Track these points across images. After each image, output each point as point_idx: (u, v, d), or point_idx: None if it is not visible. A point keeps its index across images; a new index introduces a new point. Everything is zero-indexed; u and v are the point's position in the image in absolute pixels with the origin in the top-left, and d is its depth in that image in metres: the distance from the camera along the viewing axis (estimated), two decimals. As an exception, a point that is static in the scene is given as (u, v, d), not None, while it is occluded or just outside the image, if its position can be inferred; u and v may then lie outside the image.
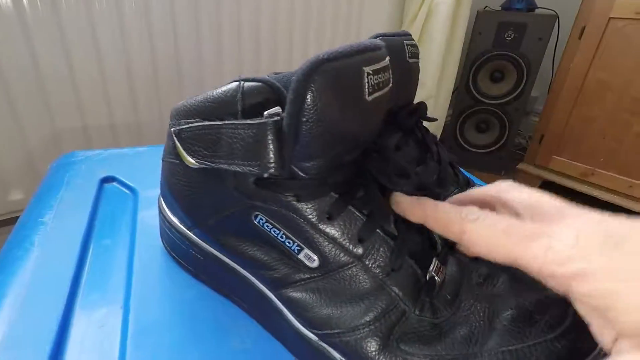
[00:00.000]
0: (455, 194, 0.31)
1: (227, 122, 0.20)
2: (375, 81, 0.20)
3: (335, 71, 0.18)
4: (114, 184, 0.44)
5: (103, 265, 0.31)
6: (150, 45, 0.78)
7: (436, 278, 0.23)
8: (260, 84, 0.20)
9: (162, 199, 0.31)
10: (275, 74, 0.31)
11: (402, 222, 0.23)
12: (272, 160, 0.19)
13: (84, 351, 0.24)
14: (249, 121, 0.19)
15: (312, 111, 0.18)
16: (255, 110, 0.20)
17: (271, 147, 0.19)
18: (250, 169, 0.20)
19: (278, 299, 0.24)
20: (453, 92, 1.41)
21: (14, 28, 0.64)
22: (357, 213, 0.22)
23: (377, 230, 0.22)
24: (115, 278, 0.30)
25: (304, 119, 0.18)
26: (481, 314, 0.21)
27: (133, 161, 0.48)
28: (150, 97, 0.82)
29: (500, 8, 1.35)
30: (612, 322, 0.15)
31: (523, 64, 1.31)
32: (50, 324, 0.25)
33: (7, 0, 0.62)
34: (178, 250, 0.30)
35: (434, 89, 1.31)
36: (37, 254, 0.31)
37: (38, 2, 0.64)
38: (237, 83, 0.20)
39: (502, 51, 1.31)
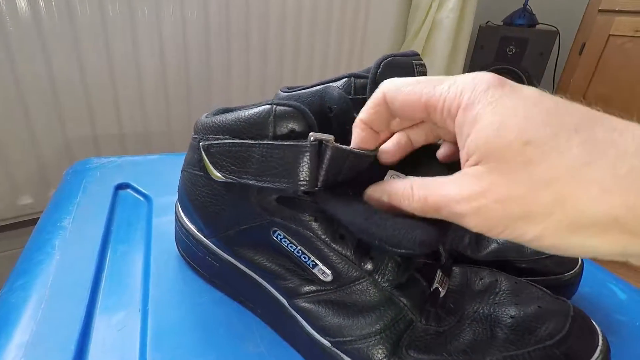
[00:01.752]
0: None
1: (263, 142, 0.21)
2: None
3: None
4: (128, 190, 0.45)
5: (120, 269, 0.33)
6: (160, 58, 0.80)
7: (440, 289, 0.24)
8: (291, 109, 0.21)
9: (179, 207, 0.32)
10: (289, 88, 0.33)
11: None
12: (306, 180, 0.21)
13: (105, 352, 0.25)
14: (288, 142, 0.20)
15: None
16: (284, 132, 0.21)
17: (306, 167, 0.20)
18: (284, 185, 0.21)
19: (292, 307, 0.25)
20: (455, 104, 1.44)
21: (32, 37, 0.66)
22: None
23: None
24: (133, 282, 0.31)
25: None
26: (483, 322, 0.22)
27: (145, 168, 0.50)
28: (159, 108, 0.84)
29: (502, 23, 1.38)
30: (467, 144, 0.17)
31: (524, 78, 1.33)
32: (73, 325, 0.26)
33: (25, 11, 0.64)
34: (194, 256, 0.31)
35: (437, 100, 1.33)
36: (58, 258, 0.32)
37: (55, 13, 0.67)
38: (269, 106, 0.22)
39: (503, 65, 1.34)
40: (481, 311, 0.23)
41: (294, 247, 0.23)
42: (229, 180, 0.23)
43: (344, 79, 0.30)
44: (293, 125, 0.22)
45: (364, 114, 0.22)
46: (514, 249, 0.30)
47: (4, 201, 0.73)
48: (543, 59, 1.29)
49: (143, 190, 0.44)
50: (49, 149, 0.74)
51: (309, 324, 0.24)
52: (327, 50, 1.06)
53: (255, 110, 0.23)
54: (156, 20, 0.76)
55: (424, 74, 0.33)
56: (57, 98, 0.72)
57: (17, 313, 0.27)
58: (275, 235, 0.24)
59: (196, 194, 0.27)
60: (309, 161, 0.20)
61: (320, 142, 0.20)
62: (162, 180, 0.47)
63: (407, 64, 0.30)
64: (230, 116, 0.24)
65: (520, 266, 0.30)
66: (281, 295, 0.26)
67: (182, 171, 0.30)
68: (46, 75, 0.69)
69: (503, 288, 0.24)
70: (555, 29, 1.28)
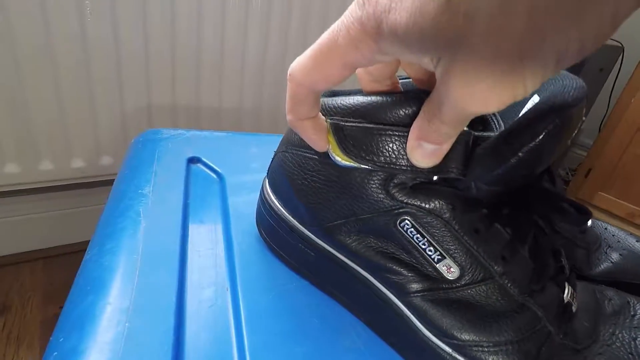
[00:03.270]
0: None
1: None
2: (581, 125, 0.20)
3: (570, 118, 0.18)
4: (199, 165, 0.44)
5: (203, 245, 0.32)
6: (222, 36, 0.79)
7: (572, 304, 0.22)
8: None
9: (269, 190, 0.31)
10: (401, 78, 0.31)
11: (541, 243, 0.22)
12: (455, 166, 0.19)
13: (201, 327, 0.24)
14: None
15: (533, 152, 0.18)
16: None
17: (459, 155, 0.19)
18: (426, 172, 0.20)
19: (405, 305, 0.23)
20: (501, 113, 1.39)
21: (106, 11, 0.66)
22: (502, 231, 0.22)
23: (520, 250, 0.22)
24: (217, 260, 0.30)
25: (521, 154, 0.18)
26: (626, 347, 0.20)
27: (214, 144, 0.49)
28: (213, 84, 0.84)
29: (561, 34, 1.32)
30: None
31: (579, 94, 1.28)
32: (169, 295, 0.25)
33: (101, -24, 0.64)
34: (282, 243, 0.30)
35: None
36: (144, 225, 0.31)
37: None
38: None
39: (558, 78, 1.29)
40: (620, 335, 0.21)
41: (421, 238, 0.22)
42: (360, 165, 0.22)
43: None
44: None
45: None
46: (631, 270, 0.28)
47: (58, 162, 0.74)
48: (602, 76, 1.23)
49: (214, 167, 0.43)
50: (106, 116, 0.75)
51: (426, 324, 0.22)
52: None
53: (396, 95, 0.21)
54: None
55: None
56: (120, 67, 0.72)
57: (112, 276, 0.26)
58: (402, 224, 0.22)
59: (303, 178, 0.26)
60: (463, 149, 0.19)
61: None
62: (232, 158, 0.46)
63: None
64: (362, 99, 0.22)
65: (636, 289, 0.27)
66: (391, 291, 0.24)
67: (279, 152, 0.29)
68: (113, 44, 0.69)
69: (639, 312, 0.22)
70: (619, 44, 1.22)
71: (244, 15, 0.80)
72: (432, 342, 0.22)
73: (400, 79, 0.30)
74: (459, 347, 0.21)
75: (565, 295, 0.22)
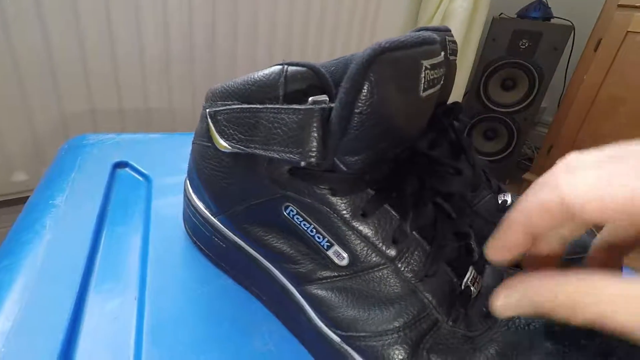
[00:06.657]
0: (487, 200, 0.29)
1: (268, 106, 0.19)
2: (430, 77, 0.19)
3: (396, 62, 0.17)
4: (127, 169, 0.42)
5: (116, 253, 0.30)
6: (164, 34, 0.76)
7: (472, 288, 0.21)
8: (304, 69, 0.19)
9: (188, 182, 0.30)
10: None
11: (441, 225, 0.22)
12: (314, 149, 0.18)
13: (97, 343, 0.23)
14: (294, 106, 0.18)
15: (367, 103, 0.17)
16: (297, 96, 0.19)
17: (315, 135, 0.18)
18: (290, 156, 0.19)
19: (301, 295, 0.22)
20: (463, 96, 1.40)
21: (29, 8, 0.62)
22: (393, 212, 0.21)
23: (413, 232, 0.21)
24: (129, 268, 0.29)
25: (357, 110, 0.17)
26: (520, 332, 0.20)
27: (146, 147, 0.47)
28: (161, 85, 0.81)
29: (515, 16, 1.34)
30: None
31: (536, 74, 1.30)
32: (62, 311, 0.24)
33: (22, -24, 0.60)
34: (201, 236, 0.29)
35: (445, 93, 1.30)
36: (48, 238, 0.29)
37: (54, -20, 0.63)
38: (280, 67, 0.19)
39: (515, 59, 1.30)
40: (517, 320, 0.20)
41: (308, 225, 0.21)
42: (236, 150, 0.21)
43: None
44: (306, 87, 0.19)
45: (527, 219, 0.16)
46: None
47: (-3, 177, 0.70)
48: (557, 55, 1.25)
49: (142, 170, 0.41)
50: (45, 123, 0.71)
51: (319, 315, 0.22)
52: (335, 39, 1.02)
53: (266, 71, 0.20)
54: (160, -6, 0.73)
55: (455, 52, 0.30)
56: (55, 71, 0.68)
57: (0, 297, 0.24)
58: (287, 211, 0.21)
59: (204, 167, 0.25)
60: (318, 128, 0.18)
61: (330, 107, 0.18)
62: (164, 160, 0.44)
63: (440, 40, 0.27)
64: (239, 80, 0.21)
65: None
66: (290, 282, 0.23)
67: (192, 143, 0.28)
68: (43, 47, 0.66)
69: None
70: (570, 23, 1.24)
71: (187, 14, 0.77)
72: (324, 331, 0.21)
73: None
74: (345, 338, 0.20)
75: (465, 279, 0.21)
